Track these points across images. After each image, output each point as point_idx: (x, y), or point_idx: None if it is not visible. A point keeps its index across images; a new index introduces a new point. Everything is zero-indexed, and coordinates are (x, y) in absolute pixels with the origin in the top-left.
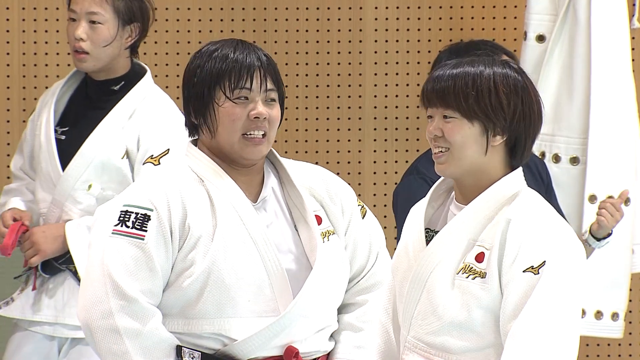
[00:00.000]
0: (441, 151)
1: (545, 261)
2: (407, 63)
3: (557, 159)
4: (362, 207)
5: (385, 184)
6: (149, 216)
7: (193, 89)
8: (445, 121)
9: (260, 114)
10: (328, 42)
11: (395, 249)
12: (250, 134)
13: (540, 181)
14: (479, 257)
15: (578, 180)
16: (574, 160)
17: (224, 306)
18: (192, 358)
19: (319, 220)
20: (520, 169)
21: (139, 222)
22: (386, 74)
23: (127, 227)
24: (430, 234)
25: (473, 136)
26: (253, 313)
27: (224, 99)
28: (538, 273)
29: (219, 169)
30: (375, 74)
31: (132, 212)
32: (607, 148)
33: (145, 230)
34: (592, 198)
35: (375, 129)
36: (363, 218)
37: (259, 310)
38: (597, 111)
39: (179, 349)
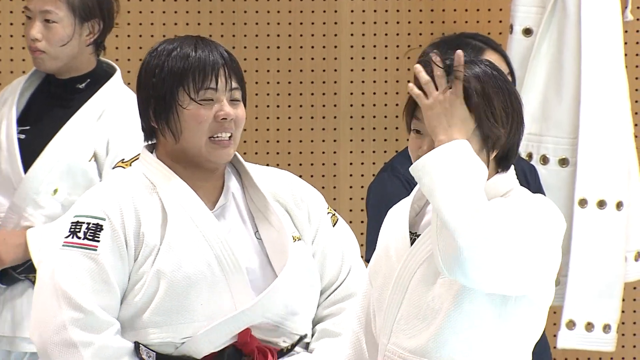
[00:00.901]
0: None
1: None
2: (386, 58)
3: (545, 160)
4: (333, 214)
5: (362, 187)
6: (102, 226)
7: (153, 91)
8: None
9: (227, 115)
10: (301, 35)
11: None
12: (217, 137)
13: (528, 189)
14: None
15: (567, 183)
16: (563, 162)
17: (176, 314)
18: (149, 357)
19: None
20: (512, 168)
21: (90, 233)
22: (363, 70)
23: (79, 238)
24: (412, 237)
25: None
26: (208, 317)
27: (189, 100)
28: (513, 206)
29: (173, 175)
30: (352, 70)
31: (84, 223)
32: (599, 148)
33: (98, 241)
34: (583, 202)
35: (351, 129)
36: (334, 226)
37: (214, 311)
38: (588, 109)
39: (136, 345)
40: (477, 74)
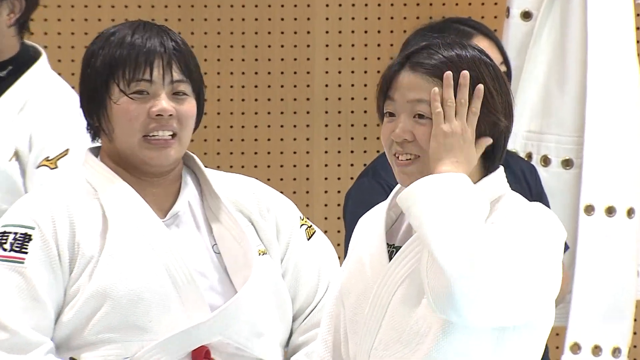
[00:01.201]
0: (409, 159)
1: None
2: (366, 45)
3: (546, 161)
4: (309, 226)
5: (338, 192)
6: (30, 236)
7: (87, 83)
8: (418, 122)
9: (163, 111)
10: (269, 19)
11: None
12: (152, 135)
13: (528, 192)
14: None
15: (572, 187)
16: (567, 163)
17: (121, 331)
18: None
19: None
20: (501, 168)
21: (17, 244)
22: (340, 59)
23: (4, 250)
24: (390, 249)
25: None
26: (157, 334)
27: (119, 93)
28: (509, 232)
29: (117, 179)
30: (327, 59)
31: (10, 233)
32: (607, 148)
33: (26, 252)
34: (589, 209)
35: (326, 126)
36: (309, 239)
37: (168, 328)
38: (595, 104)
39: None
40: (463, 55)
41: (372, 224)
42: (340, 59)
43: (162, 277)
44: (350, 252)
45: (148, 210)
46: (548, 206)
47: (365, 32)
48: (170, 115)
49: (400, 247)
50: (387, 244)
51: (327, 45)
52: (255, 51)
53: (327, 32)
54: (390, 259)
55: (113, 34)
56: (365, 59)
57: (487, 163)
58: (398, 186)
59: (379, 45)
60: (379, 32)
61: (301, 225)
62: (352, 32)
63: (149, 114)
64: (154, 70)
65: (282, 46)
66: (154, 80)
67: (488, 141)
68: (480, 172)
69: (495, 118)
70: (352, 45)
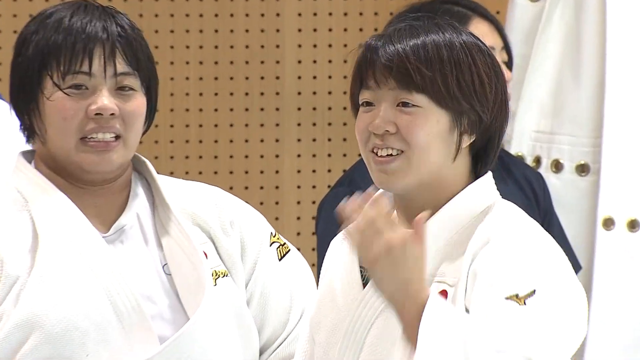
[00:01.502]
0: (390, 155)
1: (535, 290)
2: (345, 30)
3: (558, 166)
4: (282, 244)
5: (313, 202)
6: None
7: (17, 74)
8: (402, 110)
9: (103, 109)
10: (232, 0)
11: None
12: (91, 137)
13: (535, 204)
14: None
15: (588, 196)
16: (582, 169)
17: None
18: None
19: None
20: (489, 174)
21: None
22: (315, 46)
23: None
24: (365, 274)
25: (440, 134)
26: None
27: (52, 87)
28: (524, 304)
29: (52, 189)
30: (299, 46)
31: None
32: (629, 151)
33: None
34: (609, 222)
35: (299, 125)
36: (281, 259)
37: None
38: (615, 99)
39: None
40: (447, 37)
41: (344, 244)
42: (315, 45)
43: (101, 303)
44: (321, 279)
45: (86, 224)
46: (559, 225)
47: (345, 14)
48: (112, 114)
49: None
50: (362, 267)
51: (299, 30)
52: (215, 37)
53: (299, 14)
54: (365, 285)
55: (49, 16)
56: (345, 45)
57: (477, 167)
58: (372, 199)
59: (361, 29)
60: (360, 14)
61: (272, 243)
62: (330, 14)
63: (87, 112)
64: (94, 60)
65: (247, 31)
66: (94, 72)
67: (469, 140)
68: (469, 177)
69: (483, 114)
70: (330, 29)
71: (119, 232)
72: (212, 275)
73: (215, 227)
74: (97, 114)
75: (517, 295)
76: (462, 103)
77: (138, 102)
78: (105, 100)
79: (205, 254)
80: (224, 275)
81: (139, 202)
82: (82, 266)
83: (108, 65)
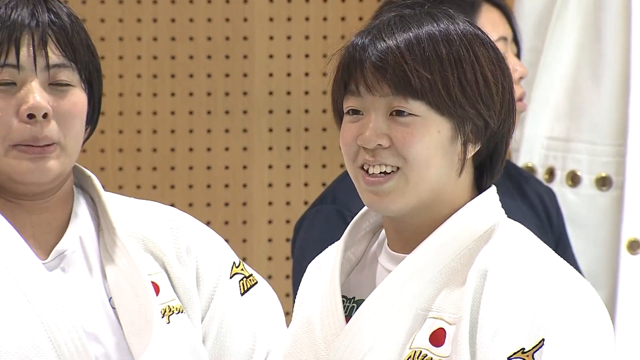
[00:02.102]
0: (385, 172)
1: (543, 340)
2: (325, 19)
3: (575, 179)
4: (247, 277)
5: (287, 222)
6: None
7: None
8: (396, 121)
9: (35, 108)
10: None
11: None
12: (23, 143)
13: (548, 226)
14: (437, 337)
15: (610, 214)
16: (603, 182)
17: None
18: None
19: (154, 289)
20: (493, 188)
21: None
22: (289, 38)
23: None
24: (347, 304)
25: (442, 146)
26: None
27: None
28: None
29: None
30: (271, 38)
31: None
32: None
33: None
34: (634, 245)
35: (271, 130)
36: (244, 294)
37: None
38: None
39: None
40: (443, 30)
41: (324, 272)
42: (289, 37)
43: (40, 342)
44: (296, 308)
45: (23, 248)
46: (570, 251)
47: (325, 1)
48: (46, 115)
49: (363, 300)
50: (345, 297)
51: (271, 20)
52: (172, 27)
53: (270, 0)
54: (349, 317)
55: None
56: (325, 37)
57: (482, 179)
58: (356, 218)
59: (343, 18)
60: (343, 0)
61: (233, 275)
62: (306, 1)
63: (18, 114)
64: (21, 51)
65: (209, 20)
66: (22, 65)
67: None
68: (472, 192)
69: (490, 119)
70: (306, 19)
71: (59, 258)
72: (165, 311)
73: (169, 255)
74: (29, 115)
75: (522, 350)
76: (467, 108)
77: (76, 99)
78: (37, 96)
79: (158, 287)
80: (178, 312)
81: (82, 223)
82: (18, 298)
83: (38, 55)
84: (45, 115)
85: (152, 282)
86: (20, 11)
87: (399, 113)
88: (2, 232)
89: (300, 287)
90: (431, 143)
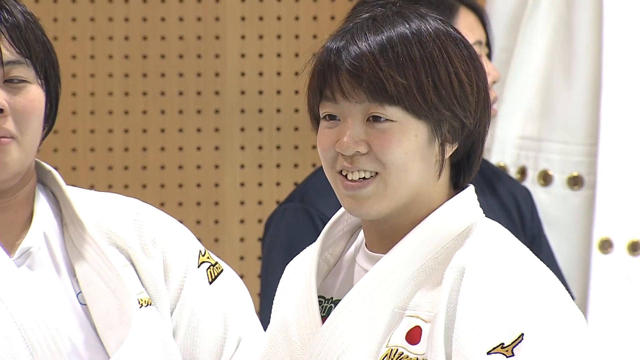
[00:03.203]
0: (364, 178)
1: (522, 334)
2: (297, 19)
3: (546, 179)
4: (213, 265)
5: (259, 221)
6: None
7: None
8: (373, 127)
9: None
10: None
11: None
12: None
13: (521, 227)
14: (413, 335)
15: (582, 214)
16: (575, 182)
17: None
18: None
19: None
20: (471, 188)
21: None
22: (261, 37)
23: None
24: (325, 304)
25: (419, 149)
26: None
27: None
28: (512, 354)
29: None
30: (243, 37)
31: None
32: (629, 161)
33: None
34: (606, 245)
35: (242, 130)
36: (212, 282)
37: None
38: (612, 101)
39: None
40: (415, 30)
41: (302, 273)
42: (261, 37)
43: (13, 339)
44: (274, 312)
45: None
46: (548, 251)
47: (297, 0)
48: (1, 110)
49: (340, 300)
50: (323, 297)
51: (242, 19)
52: (144, 26)
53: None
54: (326, 317)
55: None
56: (297, 37)
57: (457, 178)
58: (332, 219)
59: (315, 18)
60: (314, 0)
61: (201, 264)
62: (278, 0)
63: None
64: None
65: (181, 19)
66: None
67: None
68: (449, 191)
69: (466, 119)
70: (278, 18)
71: (24, 256)
72: None
73: (134, 247)
74: None
75: (502, 345)
76: (443, 111)
77: (32, 96)
78: None
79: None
80: (147, 304)
81: (45, 219)
82: None
83: None
84: (1, 111)
85: None
86: None
87: (376, 119)
88: None
89: (278, 289)
90: (409, 148)
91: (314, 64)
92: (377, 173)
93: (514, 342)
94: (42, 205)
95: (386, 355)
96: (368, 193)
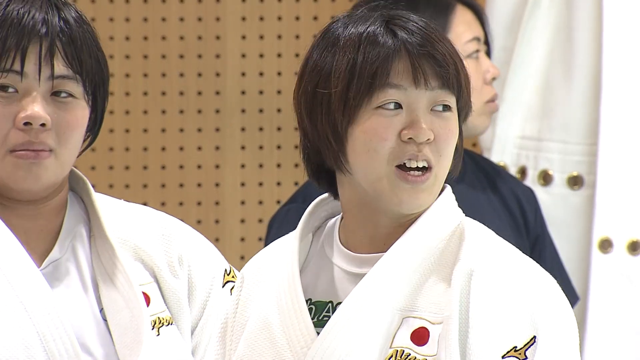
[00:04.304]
0: (423, 167)
1: (535, 337)
2: (297, 18)
3: (546, 179)
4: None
5: (260, 221)
6: None
7: None
8: (438, 115)
9: (32, 117)
10: None
11: None
12: (20, 149)
13: (524, 228)
14: (419, 336)
15: (582, 213)
16: (575, 182)
17: None
18: None
19: (146, 300)
20: (449, 188)
21: None
22: (262, 37)
23: None
24: (308, 307)
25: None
26: None
27: None
28: (525, 357)
29: None
30: (244, 37)
31: None
32: (629, 161)
33: None
34: (606, 244)
35: (243, 130)
36: None
37: None
38: (612, 100)
39: None
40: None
41: (271, 270)
42: (262, 37)
43: (34, 352)
44: (245, 307)
45: (22, 254)
46: (553, 252)
47: (297, 0)
48: (44, 124)
49: (328, 304)
50: (309, 300)
51: (243, 19)
52: (145, 26)
53: (243, 0)
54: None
55: None
56: (297, 37)
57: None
58: (309, 209)
59: (315, 18)
60: (315, 0)
61: (226, 283)
62: (279, 0)
63: (15, 121)
64: (28, 59)
65: (182, 19)
66: (27, 73)
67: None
68: None
69: (469, 107)
70: (279, 18)
71: (53, 265)
72: (155, 323)
73: (161, 265)
74: (26, 123)
75: (515, 349)
76: (468, 100)
77: (77, 113)
78: (35, 107)
79: (148, 297)
80: (168, 324)
81: (75, 230)
82: (15, 305)
83: (44, 66)
84: (43, 125)
85: (143, 293)
86: (31, 17)
87: (445, 108)
88: (2, 237)
89: (242, 285)
90: (456, 139)
91: (362, 50)
92: (430, 167)
93: (526, 344)
94: (72, 215)
95: (392, 356)
96: (426, 186)
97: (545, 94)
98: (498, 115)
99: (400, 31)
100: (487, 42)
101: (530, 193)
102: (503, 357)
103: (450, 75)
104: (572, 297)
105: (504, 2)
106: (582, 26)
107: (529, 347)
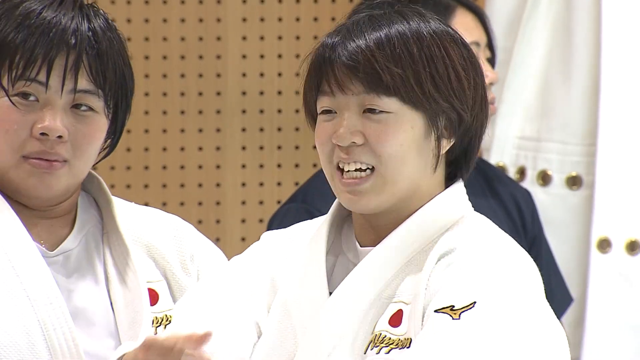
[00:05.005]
0: (359, 170)
1: (474, 303)
2: (297, 20)
3: (545, 179)
4: None
5: (260, 221)
6: None
7: None
8: (369, 118)
9: (49, 130)
10: None
11: None
12: (34, 158)
13: (522, 229)
14: (395, 318)
15: (581, 213)
16: (574, 182)
17: None
18: None
19: (153, 297)
20: (461, 183)
21: None
22: (262, 38)
23: None
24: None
25: (416, 141)
26: None
27: (1, 91)
28: (458, 317)
29: None
30: (244, 38)
31: None
32: (627, 161)
33: None
34: (604, 244)
35: (244, 130)
36: None
37: None
38: (610, 101)
39: None
40: (414, 28)
41: (299, 256)
42: (262, 38)
43: (35, 339)
44: (278, 304)
45: (29, 244)
46: (549, 253)
47: (298, 0)
48: (60, 137)
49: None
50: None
51: (244, 20)
52: (146, 27)
53: (243, 1)
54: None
55: (18, 5)
56: (297, 38)
57: (454, 176)
58: (332, 211)
59: (315, 19)
60: (315, 1)
61: None
62: (280, 1)
63: (32, 130)
64: (53, 71)
65: (183, 20)
66: (51, 84)
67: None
68: (443, 185)
69: (463, 112)
70: (279, 19)
71: (65, 255)
72: (162, 320)
73: (173, 262)
74: (42, 133)
75: (451, 307)
76: (440, 102)
77: (95, 126)
78: (54, 119)
79: (157, 295)
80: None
81: (88, 224)
82: (19, 292)
83: (68, 79)
84: (59, 137)
85: (151, 290)
86: (62, 27)
87: (372, 110)
88: (10, 226)
89: (262, 249)
90: (405, 140)
91: (310, 60)
92: (373, 168)
93: (464, 307)
94: (85, 211)
95: (371, 341)
96: (366, 188)
97: (544, 94)
98: (497, 116)
99: (346, 41)
100: (490, 47)
101: (528, 195)
102: (436, 311)
103: (384, 79)
104: (566, 298)
105: (504, 2)
106: (581, 27)
107: (466, 310)
